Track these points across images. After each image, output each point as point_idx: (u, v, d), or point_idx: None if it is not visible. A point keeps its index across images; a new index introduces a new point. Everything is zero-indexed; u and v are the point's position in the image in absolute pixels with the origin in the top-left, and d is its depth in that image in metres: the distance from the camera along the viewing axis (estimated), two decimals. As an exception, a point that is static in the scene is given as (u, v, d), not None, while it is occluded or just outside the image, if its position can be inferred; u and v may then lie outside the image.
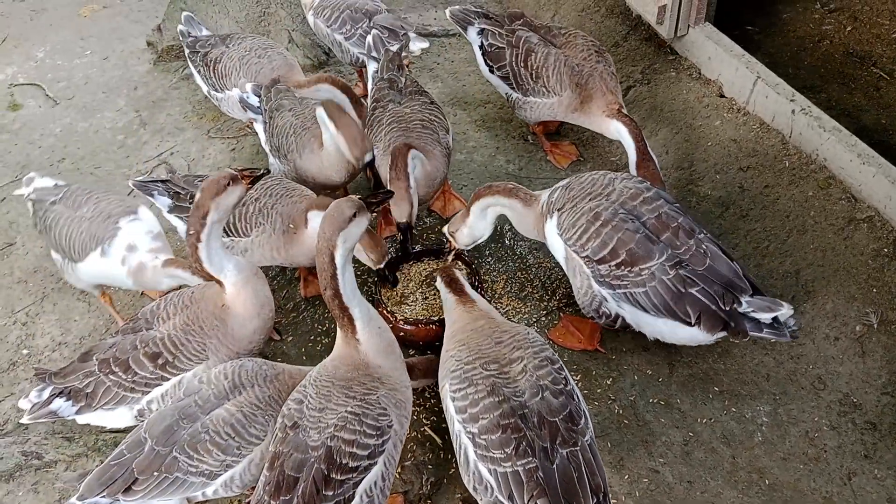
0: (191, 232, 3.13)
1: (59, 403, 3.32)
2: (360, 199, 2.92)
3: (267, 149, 4.42)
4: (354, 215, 2.86)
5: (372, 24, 4.92)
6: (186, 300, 3.34)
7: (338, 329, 2.99)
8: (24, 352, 4.08)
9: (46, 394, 3.35)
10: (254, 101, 4.49)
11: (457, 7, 4.81)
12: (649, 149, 4.12)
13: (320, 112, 3.93)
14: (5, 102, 5.78)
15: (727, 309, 3.26)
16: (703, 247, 3.35)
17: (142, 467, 2.91)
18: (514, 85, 4.54)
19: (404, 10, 6.18)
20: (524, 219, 3.78)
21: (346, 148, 3.88)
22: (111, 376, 3.25)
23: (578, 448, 2.79)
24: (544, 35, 4.50)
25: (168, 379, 3.24)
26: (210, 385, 3.02)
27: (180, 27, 5.15)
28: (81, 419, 3.37)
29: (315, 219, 3.63)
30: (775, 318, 3.28)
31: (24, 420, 3.37)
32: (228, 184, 3.11)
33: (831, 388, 3.68)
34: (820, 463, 3.45)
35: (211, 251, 3.17)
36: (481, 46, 4.66)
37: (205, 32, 5.16)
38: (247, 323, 3.31)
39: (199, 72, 4.99)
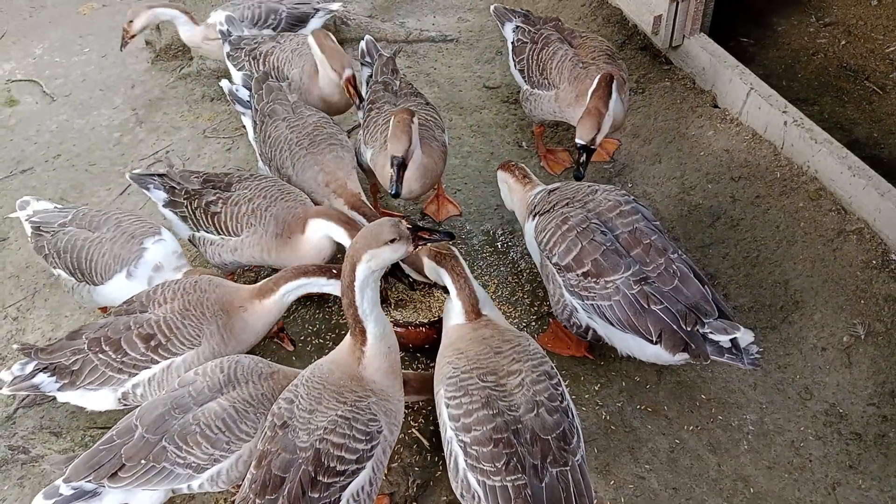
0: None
1: (42, 378, 3.31)
2: (409, 228, 2.84)
3: (256, 149, 4.38)
4: (392, 241, 2.80)
5: None
6: (188, 287, 3.35)
7: (348, 334, 2.96)
8: (14, 347, 4.07)
9: (30, 368, 3.33)
10: (243, 94, 4.44)
11: (500, 4, 5.03)
12: (615, 91, 3.97)
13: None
14: (2, 98, 5.78)
15: (688, 329, 3.22)
16: (674, 267, 3.33)
17: (130, 454, 2.91)
18: (526, 77, 4.61)
19: (402, 15, 6.21)
20: (513, 194, 3.94)
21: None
22: (100, 355, 3.24)
23: (569, 468, 2.78)
24: (566, 37, 4.57)
25: (157, 362, 3.24)
26: (205, 377, 3.03)
27: (220, 28, 5.09)
28: (63, 396, 3.36)
29: (314, 227, 3.64)
30: (735, 343, 3.24)
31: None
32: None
33: (818, 398, 3.70)
34: (805, 472, 3.47)
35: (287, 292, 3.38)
36: (512, 42, 4.80)
37: (247, 33, 5.14)
38: (247, 332, 3.37)
39: (240, 67, 4.90)
